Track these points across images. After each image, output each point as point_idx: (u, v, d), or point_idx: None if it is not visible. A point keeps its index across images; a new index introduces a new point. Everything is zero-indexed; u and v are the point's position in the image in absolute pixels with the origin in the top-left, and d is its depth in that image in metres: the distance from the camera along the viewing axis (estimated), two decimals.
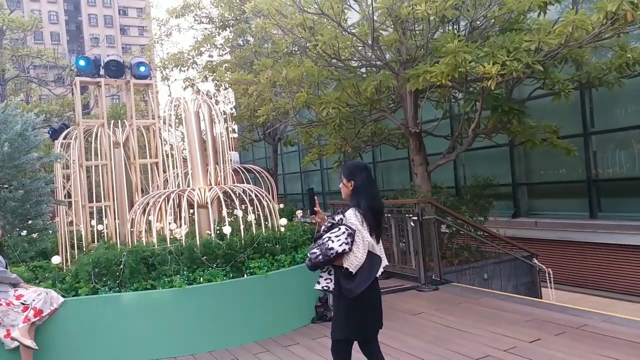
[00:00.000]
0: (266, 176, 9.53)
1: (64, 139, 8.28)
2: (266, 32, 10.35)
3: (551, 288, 8.29)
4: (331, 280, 3.19)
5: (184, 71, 15.47)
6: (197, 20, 15.32)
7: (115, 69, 7.11)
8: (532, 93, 8.70)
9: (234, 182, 7.38)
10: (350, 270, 2.99)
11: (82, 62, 7.05)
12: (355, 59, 9.16)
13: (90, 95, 17.86)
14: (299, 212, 7.80)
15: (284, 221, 6.50)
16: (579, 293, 9.83)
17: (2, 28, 15.22)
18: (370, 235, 3.06)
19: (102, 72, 7.15)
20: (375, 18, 7.79)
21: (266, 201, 6.39)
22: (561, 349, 4.49)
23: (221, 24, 14.91)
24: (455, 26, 8.55)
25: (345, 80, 8.95)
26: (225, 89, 15.31)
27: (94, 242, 7.12)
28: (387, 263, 3.26)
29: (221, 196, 6.52)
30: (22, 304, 4.63)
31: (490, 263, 8.30)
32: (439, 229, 7.92)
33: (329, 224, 3.14)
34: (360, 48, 8.84)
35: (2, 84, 15.01)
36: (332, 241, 3.00)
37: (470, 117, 9.04)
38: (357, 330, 3.17)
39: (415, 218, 7.28)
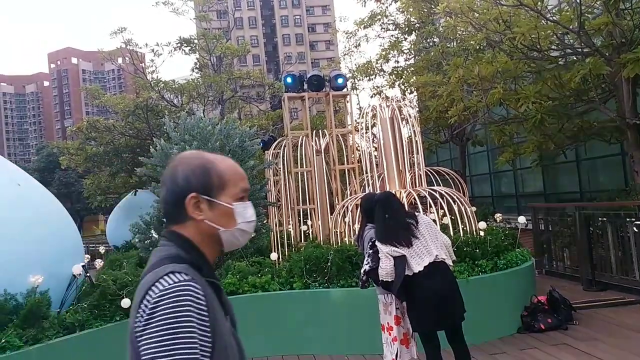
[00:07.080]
0: (456, 178, 9.31)
1: (274, 149, 9.27)
2: (452, 32, 10.12)
3: None
4: None
5: (372, 79, 15.96)
6: (384, 28, 15.69)
7: (317, 83, 7.72)
8: None
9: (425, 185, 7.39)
10: (382, 279, 3.76)
11: (289, 80, 7.82)
12: (554, 47, 8.39)
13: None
14: (499, 215, 7.43)
15: (482, 225, 6.28)
16: None
17: (221, 56, 17.87)
18: (393, 245, 3.74)
19: (305, 87, 7.84)
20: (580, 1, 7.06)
21: (462, 204, 6.27)
22: None
23: (407, 28, 15.03)
24: None
25: (545, 72, 8.25)
26: (411, 92, 15.36)
27: (301, 241, 7.81)
28: (431, 259, 3.72)
29: (416, 199, 6.59)
30: None
31: None
32: None
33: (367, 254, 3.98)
34: (561, 35, 8.08)
35: (222, 103, 17.59)
36: (363, 266, 3.98)
37: None
38: (417, 323, 3.82)
39: (639, 222, 6.38)
